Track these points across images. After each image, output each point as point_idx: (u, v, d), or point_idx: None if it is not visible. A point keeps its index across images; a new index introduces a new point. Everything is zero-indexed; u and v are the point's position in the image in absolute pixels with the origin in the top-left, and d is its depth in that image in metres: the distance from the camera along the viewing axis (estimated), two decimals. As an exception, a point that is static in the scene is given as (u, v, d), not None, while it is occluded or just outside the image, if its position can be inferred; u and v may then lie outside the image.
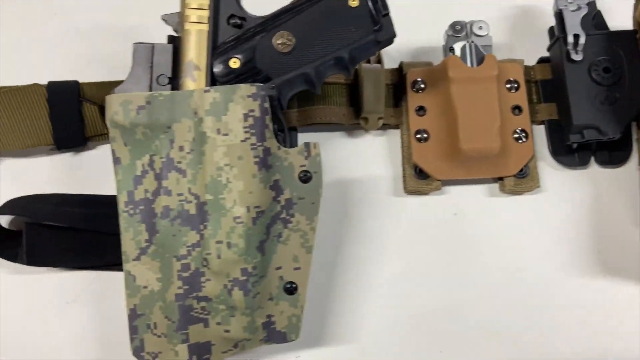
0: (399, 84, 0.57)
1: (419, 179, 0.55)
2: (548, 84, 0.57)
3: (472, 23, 0.55)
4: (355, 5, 0.44)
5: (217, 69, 0.44)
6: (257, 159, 0.43)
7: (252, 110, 0.43)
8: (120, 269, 0.51)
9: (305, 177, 0.45)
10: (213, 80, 0.44)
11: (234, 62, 0.44)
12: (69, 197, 0.53)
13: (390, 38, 0.45)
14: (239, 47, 0.44)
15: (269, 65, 0.44)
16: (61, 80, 0.53)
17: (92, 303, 0.53)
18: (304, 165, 0.45)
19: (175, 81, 0.44)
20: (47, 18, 0.61)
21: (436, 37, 0.59)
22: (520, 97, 0.55)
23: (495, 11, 0.61)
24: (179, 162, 0.44)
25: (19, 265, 0.53)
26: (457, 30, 0.55)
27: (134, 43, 0.44)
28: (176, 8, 0.60)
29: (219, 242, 0.43)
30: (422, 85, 0.55)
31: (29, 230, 0.51)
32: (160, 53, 0.44)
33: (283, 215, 0.45)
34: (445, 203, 0.56)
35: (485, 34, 0.55)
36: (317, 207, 0.45)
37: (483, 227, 0.55)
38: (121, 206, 0.45)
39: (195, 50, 0.44)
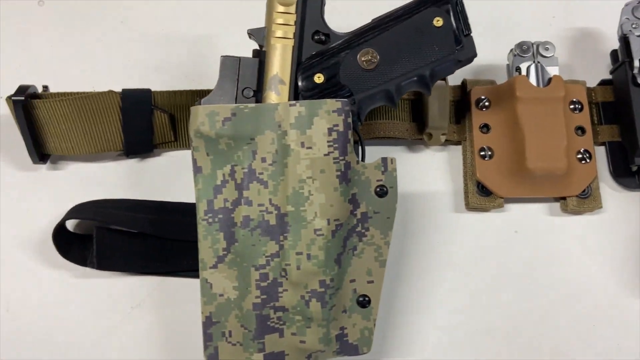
0: (462, 101, 0.58)
1: (481, 195, 0.55)
2: (610, 106, 0.58)
3: (538, 44, 0.56)
4: (439, 25, 0.44)
5: (302, 83, 0.45)
6: (338, 173, 0.44)
7: (336, 125, 0.43)
8: (184, 275, 0.53)
9: (382, 192, 0.46)
10: (296, 94, 0.45)
11: (319, 77, 0.45)
12: (139, 203, 0.54)
13: (471, 57, 0.45)
14: (323, 62, 0.45)
15: (353, 81, 0.45)
16: (135, 88, 0.54)
17: (156, 308, 0.53)
18: (380, 180, 0.46)
19: (259, 94, 0.45)
20: (114, 25, 0.62)
21: (497, 56, 0.60)
22: (584, 118, 0.56)
23: (554, 32, 0.62)
24: (261, 174, 0.44)
25: (85, 270, 0.53)
26: (524, 50, 0.56)
27: (222, 56, 0.45)
28: (241, 18, 0.62)
29: (299, 253, 0.44)
30: (487, 103, 0.56)
31: (100, 235, 0.51)
32: (247, 66, 0.45)
33: (359, 229, 0.46)
34: (506, 220, 0.56)
35: (551, 55, 0.56)
36: (391, 222, 0.46)
37: (544, 246, 0.56)
38: (200, 214, 0.45)
39: (280, 65, 0.45)
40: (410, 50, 0.44)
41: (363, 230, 0.46)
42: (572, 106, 0.56)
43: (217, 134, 0.44)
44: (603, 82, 0.59)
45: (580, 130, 0.56)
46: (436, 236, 0.56)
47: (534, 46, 0.56)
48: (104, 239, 0.52)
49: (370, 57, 0.44)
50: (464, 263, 0.55)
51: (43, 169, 0.57)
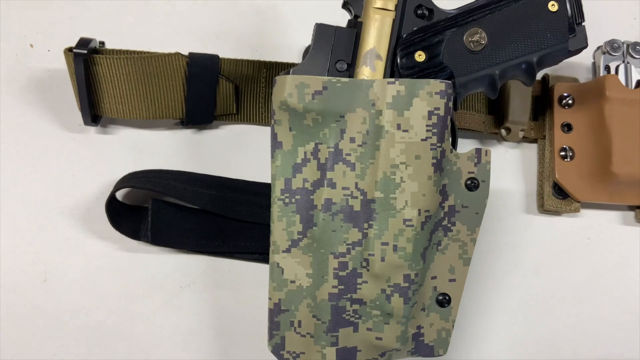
0: (542, 97, 0.55)
1: (558, 198, 0.52)
2: (694, 115, 0.55)
3: (628, 44, 0.53)
4: (554, 10, 0.41)
5: (401, 60, 0.41)
6: (434, 160, 0.40)
7: (437, 109, 0.40)
8: (241, 258, 0.50)
9: (472, 185, 0.42)
10: (392, 71, 0.41)
11: (420, 55, 0.41)
12: (198, 177, 0.50)
13: (581, 48, 0.42)
14: (426, 39, 0.41)
15: (456, 62, 0.41)
16: (203, 53, 0.50)
17: (206, 290, 0.50)
18: (472, 172, 0.42)
19: (352, 69, 0.41)
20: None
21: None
22: (669, 126, 0.53)
23: (636, 33, 0.60)
24: (348, 155, 0.41)
25: (132, 243, 0.50)
26: (615, 48, 0.53)
27: (317, 23, 0.41)
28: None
29: (384, 243, 0.40)
30: (570, 101, 0.53)
31: (155, 207, 0.48)
32: (342, 37, 0.41)
33: (445, 223, 0.43)
34: (579, 226, 0.54)
35: (641, 56, 0.53)
36: (480, 217, 0.43)
37: (616, 255, 0.53)
38: (276, 193, 0.42)
39: (378, 39, 0.41)
40: (522, 34, 0.41)
41: (449, 225, 0.43)
42: (657, 111, 0.54)
43: (305, 108, 0.40)
44: (687, 90, 0.56)
45: (664, 137, 0.54)
46: (506, 237, 0.53)
47: (625, 45, 0.53)
48: (160, 211, 0.48)
49: (478, 38, 0.41)
50: (534, 266, 0.53)
51: (92, 131, 0.52)
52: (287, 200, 0.42)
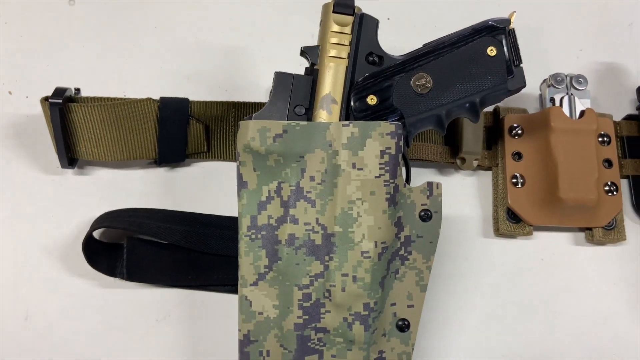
0: (494, 127, 0.59)
1: (511, 222, 0.56)
2: (635, 141, 0.59)
3: (571, 76, 0.57)
4: (493, 55, 0.45)
5: (354, 104, 0.45)
6: (388, 195, 0.44)
7: (388, 148, 0.43)
8: (215, 290, 0.52)
9: (426, 216, 0.46)
10: (347, 114, 0.45)
11: (371, 99, 0.45)
12: (171, 214, 0.53)
13: (520, 88, 0.46)
14: (377, 84, 0.45)
15: (405, 104, 0.45)
16: (173, 97, 0.53)
17: (182, 322, 0.52)
18: (425, 204, 0.46)
19: (310, 112, 0.45)
20: (147, 30, 0.61)
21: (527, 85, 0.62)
22: (611, 151, 0.57)
23: (581, 65, 0.64)
24: (309, 192, 0.44)
25: (109, 279, 0.52)
26: (558, 81, 0.57)
27: (276, 72, 0.44)
28: (275, 31, 0.62)
29: (344, 274, 0.43)
30: (520, 131, 0.57)
31: (131, 245, 0.50)
32: (300, 84, 0.44)
33: (402, 252, 0.46)
34: (533, 248, 0.57)
35: (583, 88, 0.57)
36: (434, 246, 0.46)
37: (570, 275, 0.56)
38: (243, 230, 0.45)
39: (333, 84, 0.45)
40: (464, 77, 0.45)
41: (406, 254, 0.46)
42: (600, 139, 0.57)
43: (267, 150, 0.43)
44: (629, 117, 0.60)
45: (608, 162, 0.57)
46: (464, 261, 0.56)
47: (568, 78, 0.57)
48: (135, 249, 0.50)
49: (424, 82, 0.45)
50: (491, 289, 0.56)
51: (70, 173, 0.55)
52: (253, 236, 0.45)
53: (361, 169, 0.43)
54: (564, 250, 0.57)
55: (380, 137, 0.43)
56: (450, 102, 0.45)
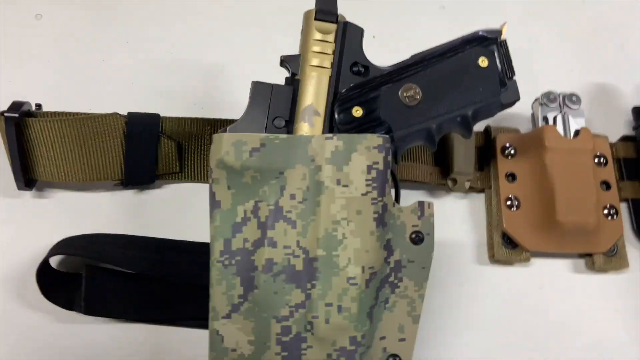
0: (485, 147, 0.56)
1: (508, 248, 0.52)
2: (632, 163, 0.56)
3: (564, 95, 0.55)
4: (484, 66, 0.42)
5: (338, 116, 0.41)
6: (376, 215, 0.40)
7: (376, 163, 0.40)
8: (186, 325, 0.47)
9: (417, 239, 0.42)
10: (331, 127, 0.41)
11: (357, 110, 0.41)
12: (137, 240, 0.48)
13: (514, 101, 0.43)
14: (363, 95, 0.41)
15: (393, 117, 0.41)
16: (142, 112, 0.49)
17: (148, 362, 0.47)
18: (416, 226, 0.42)
19: (291, 125, 0.41)
20: (118, 45, 0.57)
21: (517, 104, 0.59)
22: (609, 173, 0.54)
23: (574, 85, 0.62)
24: (289, 212, 0.40)
25: (69, 313, 0.46)
26: (551, 99, 0.54)
27: (253, 81, 0.41)
28: (252, 46, 0.59)
29: (328, 304, 0.39)
30: (513, 152, 0.54)
31: (90, 274, 0.45)
32: (279, 94, 0.41)
33: (391, 279, 0.41)
34: (531, 275, 0.53)
35: (577, 107, 0.55)
36: (427, 272, 0.42)
37: (569, 304, 0.52)
38: (215, 255, 0.40)
39: (316, 95, 0.41)
40: (455, 88, 0.42)
41: (396, 281, 0.41)
42: (597, 160, 0.55)
43: (243, 166, 0.39)
44: (625, 138, 0.58)
45: (605, 184, 0.54)
46: (457, 289, 0.52)
47: (560, 97, 0.55)
48: (94, 279, 0.45)
49: (413, 93, 0.42)
50: (487, 317, 0.51)
51: (27, 195, 0.50)
52: (226, 262, 0.40)
53: (346, 186, 0.39)
54: (564, 277, 0.54)
55: (367, 150, 0.40)
56: (441, 115, 0.42)
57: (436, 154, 0.55)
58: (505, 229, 0.52)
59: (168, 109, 0.55)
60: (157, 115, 0.49)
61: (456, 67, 0.42)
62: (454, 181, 0.53)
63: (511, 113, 0.60)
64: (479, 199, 0.56)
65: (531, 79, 0.62)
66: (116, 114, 0.47)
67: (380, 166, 0.40)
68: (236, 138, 0.40)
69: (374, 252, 0.40)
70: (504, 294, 0.52)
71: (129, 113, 0.49)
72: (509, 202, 0.53)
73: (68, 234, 0.48)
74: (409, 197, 0.54)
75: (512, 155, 0.54)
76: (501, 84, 0.43)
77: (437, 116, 0.42)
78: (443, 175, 0.54)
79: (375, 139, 0.40)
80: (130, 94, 0.55)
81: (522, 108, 0.59)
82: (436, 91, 0.42)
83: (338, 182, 0.39)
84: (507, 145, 0.54)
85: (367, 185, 0.40)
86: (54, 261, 0.48)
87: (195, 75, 0.57)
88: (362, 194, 0.39)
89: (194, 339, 0.47)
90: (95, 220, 0.50)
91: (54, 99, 0.53)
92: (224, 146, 0.40)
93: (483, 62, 0.43)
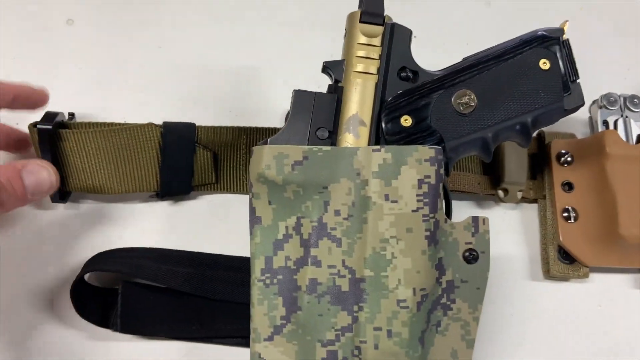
0: (538, 154, 0.52)
1: (564, 263, 0.49)
2: (700, 170, 0.52)
3: (625, 97, 0.51)
4: (546, 68, 0.39)
5: (386, 126, 0.38)
6: (427, 233, 0.37)
7: (427, 176, 0.37)
8: (223, 342, 0.45)
9: (471, 257, 0.39)
10: (377, 138, 0.39)
11: (406, 120, 0.39)
12: (172, 254, 0.46)
13: (578, 106, 0.40)
14: (412, 103, 0.38)
15: (445, 126, 0.38)
16: (178, 122, 0.47)
17: (184, 381, 0.45)
18: (469, 243, 0.39)
19: (334, 136, 0.38)
20: (150, 51, 0.55)
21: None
22: (676, 182, 0.50)
23: (629, 85, 0.58)
24: (334, 229, 0.37)
25: (104, 331, 0.45)
26: (611, 102, 0.51)
27: (295, 90, 0.38)
28: (287, 49, 0.57)
29: (377, 328, 0.36)
30: (569, 159, 0.50)
31: (126, 291, 0.44)
32: (322, 103, 0.38)
33: (444, 301, 0.39)
34: (589, 292, 0.50)
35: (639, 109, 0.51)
36: (482, 293, 0.39)
37: (631, 323, 0.49)
38: (256, 274, 0.38)
39: (361, 104, 0.39)
40: (513, 94, 0.39)
41: (449, 303, 0.39)
42: (659, 166, 0.51)
43: (285, 180, 0.37)
44: (690, 143, 0.54)
45: (672, 194, 0.51)
46: (510, 307, 0.49)
47: (621, 99, 0.51)
48: (130, 295, 0.43)
49: (467, 100, 0.39)
50: (539, 338, 0.48)
51: (61, 208, 0.49)
52: (268, 282, 0.38)
53: (395, 202, 0.37)
54: (626, 294, 0.50)
55: (418, 163, 0.37)
56: (498, 123, 0.38)
57: (482, 162, 0.51)
58: (561, 243, 0.48)
59: (202, 116, 0.53)
60: (192, 125, 0.47)
61: (514, 70, 0.39)
62: (505, 191, 0.50)
63: (566, 117, 0.56)
64: (532, 210, 0.52)
65: (588, 80, 0.57)
66: (151, 124, 0.46)
67: (432, 180, 0.37)
68: (278, 151, 0.37)
69: (425, 273, 0.37)
70: (559, 313, 0.49)
71: (164, 123, 0.47)
72: (565, 214, 0.49)
73: (102, 248, 0.47)
74: (456, 209, 0.51)
75: (569, 163, 0.50)
76: (564, 88, 0.39)
77: (494, 124, 0.39)
78: (492, 184, 0.51)
79: (427, 151, 0.37)
80: (164, 101, 0.53)
81: (579, 111, 0.56)
82: (493, 97, 0.39)
83: (386, 198, 0.37)
84: (563, 151, 0.50)
85: (418, 200, 0.37)
86: (88, 277, 0.46)
87: (229, 80, 0.55)
88: (413, 210, 0.37)
89: (233, 357, 0.46)
90: (131, 233, 0.48)
91: (86, 106, 0.52)
92: (264, 159, 0.37)
93: (545, 64, 0.39)
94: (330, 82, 0.40)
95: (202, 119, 0.52)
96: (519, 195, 0.50)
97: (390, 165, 0.37)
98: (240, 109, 0.54)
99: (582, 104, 0.40)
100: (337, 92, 0.39)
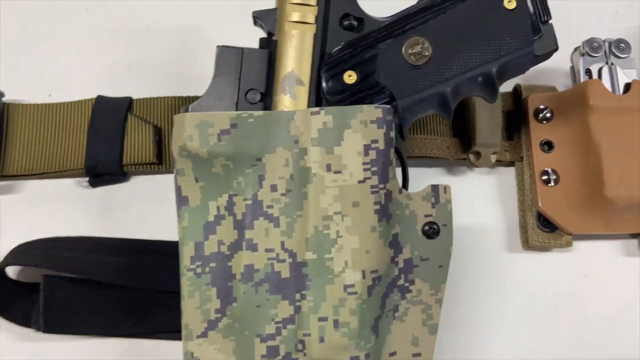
0: (514, 111, 0.47)
1: (544, 231, 0.44)
2: (696, 120, 0.47)
3: (610, 41, 0.45)
4: (512, 8, 0.33)
5: (327, 84, 0.33)
6: (377, 207, 0.32)
7: (375, 141, 0.32)
8: (164, 337, 0.41)
9: (431, 231, 0.34)
10: (319, 98, 0.33)
11: (350, 76, 0.33)
12: (105, 243, 0.41)
13: (551, 52, 0.34)
14: (357, 56, 0.33)
15: (396, 81, 0.33)
16: (111, 97, 0.42)
17: (125, 382, 0.41)
18: (429, 215, 0.34)
19: (268, 98, 0.33)
20: (76, 16, 0.49)
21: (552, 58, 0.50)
22: (669, 135, 0.45)
23: (617, 32, 0.52)
24: (270, 207, 0.32)
25: (27, 331, 0.40)
26: (594, 48, 0.45)
27: (218, 46, 0.33)
28: (238, 5, 0.51)
29: (322, 319, 0.31)
30: (549, 115, 0.45)
31: (48, 287, 0.39)
32: (252, 61, 0.33)
33: (401, 282, 0.34)
34: (573, 262, 0.45)
35: (626, 55, 0.45)
36: (445, 271, 0.34)
37: (621, 294, 0.44)
38: (185, 262, 0.33)
39: (298, 59, 0.33)
40: (474, 40, 0.33)
41: (407, 284, 0.34)
42: (651, 118, 0.46)
43: (211, 152, 0.32)
44: (684, 91, 0.48)
45: (664, 149, 0.45)
46: (486, 282, 0.44)
47: (606, 44, 0.45)
48: (54, 291, 0.39)
49: (420, 49, 0.33)
50: (520, 315, 0.44)
51: (-18, 194, 0.44)
52: (199, 270, 0.33)
53: (339, 172, 0.32)
54: (613, 263, 0.45)
55: (363, 126, 0.32)
56: (458, 75, 0.33)
57: (454, 122, 0.46)
58: (541, 209, 0.43)
59: (140, 86, 0.47)
60: (127, 99, 0.42)
61: (475, 12, 0.33)
62: (477, 154, 0.45)
63: (545, 67, 0.49)
64: (509, 174, 0.47)
65: (569, 25, 0.52)
66: (84, 100, 0.40)
67: (381, 145, 0.32)
68: (200, 119, 0.32)
69: (376, 252, 0.32)
70: (541, 286, 0.44)
71: (99, 96, 0.41)
72: (545, 177, 0.44)
73: (28, 238, 0.42)
74: (423, 178, 0.46)
75: (548, 120, 0.45)
76: (534, 31, 0.33)
77: (453, 77, 0.33)
78: (464, 148, 0.45)
79: (373, 111, 0.32)
80: (93, 71, 0.47)
81: (560, 60, 0.49)
82: (450, 45, 0.33)
83: (328, 168, 0.32)
84: (542, 107, 0.45)
85: (365, 169, 0.32)
86: (12, 270, 0.42)
87: (170, 43, 0.49)
88: (359, 181, 0.32)
89: (177, 353, 0.41)
90: (60, 220, 0.43)
91: (9, 82, 0.47)
92: (186, 129, 0.32)
93: (510, 3, 0.33)
94: (262, 36, 0.35)
95: (141, 90, 0.46)
96: (493, 158, 0.45)
97: (331, 130, 0.32)
98: (183, 77, 0.49)
99: (556, 49, 0.34)
100: (270, 47, 0.34)
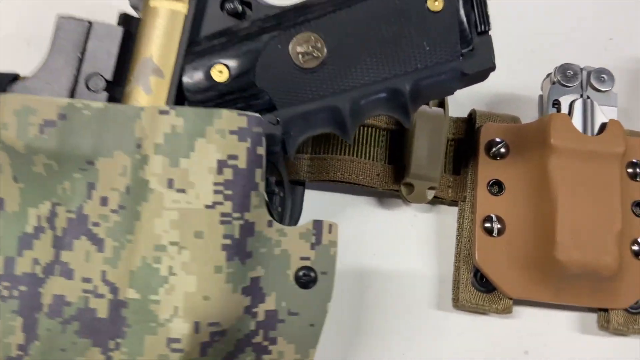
0: (466, 141, 0.39)
1: (480, 290, 0.36)
2: (686, 177, 0.39)
3: (590, 70, 0.38)
4: (438, 10, 0.26)
5: (191, 78, 0.26)
6: (227, 241, 0.25)
7: (233, 157, 0.25)
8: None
9: (306, 279, 0.27)
10: (180, 95, 0.27)
11: (220, 71, 0.26)
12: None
13: (484, 71, 0.26)
14: (232, 47, 0.26)
15: (278, 85, 0.26)
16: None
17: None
18: (307, 259, 0.27)
19: (117, 88, 0.26)
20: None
21: (527, 84, 0.42)
22: (647, 191, 0.37)
23: (609, 61, 0.44)
24: (96, 225, 0.26)
25: None
26: (569, 77, 0.37)
27: (59, 16, 0.26)
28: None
29: (136, 378, 0.25)
30: (503, 150, 0.37)
31: None
32: (101, 38, 0.26)
33: (258, 339, 0.27)
34: (512, 333, 0.37)
35: (607, 88, 0.37)
36: (317, 332, 0.27)
37: (569, 380, 0.37)
38: (-9, 281, 0.27)
39: (160, 45, 0.26)
40: (382, 45, 0.25)
41: (266, 344, 0.27)
42: (630, 170, 0.37)
43: (29, 147, 0.25)
44: (678, 140, 0.40)
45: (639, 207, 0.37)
46: (408, 343, 0.37)
47: (584, 73, 0.38)
48: None
49: (310, 48, 0.26)
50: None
51: None
52: (5, 293, 0.26)
53: (182, 191, 0.25)
54: (562, 339, 0.37)
55: (220, 136, 0.25)
56: (358, 88, 0.26)
57: (391, 145, 0.39)
58: (477, 263, 0.36)
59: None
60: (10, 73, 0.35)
61: (388, 10, 0.26)
62: (410, 188, 0.37)
63: (514, 94, 0.43)
64: (451, 215, 0.39)
65: (547, 50, 0.45)
66: None
67: (241, 163, 0.25)
68: (21, 103, 0.25)
69: (220, 299, 0.25)
70: (472, 352, 0.36)
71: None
72: (487, 224, 0.36)
73: None
74: (347, 207, 0.39)
75: (502, 156, 0.37)
76: (463, 41, 0.26)
77: (351, 89, 0.26)
78: (397, 177, 0.38)
79: (235, 119, 0.25)
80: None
81: (531, 88, 0.42)
82: (350, 47, 0.26)
83: (170, 184, 0.25)
84: (497, 140, 0.37)
85: (216, 192, 0.25)
86: None
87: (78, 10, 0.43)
88: (207, 206, 0.25)
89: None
90: None
91: None
92: (2, 115, 0.26)
93: (435, 3, 0.26)
94: (123, 11, 0.28)
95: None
96: (430, 194, 0.37)
97: (180, 137, 0.25)
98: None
99: (492, 68, 0.26)
100: (131, 25, 0.27)
